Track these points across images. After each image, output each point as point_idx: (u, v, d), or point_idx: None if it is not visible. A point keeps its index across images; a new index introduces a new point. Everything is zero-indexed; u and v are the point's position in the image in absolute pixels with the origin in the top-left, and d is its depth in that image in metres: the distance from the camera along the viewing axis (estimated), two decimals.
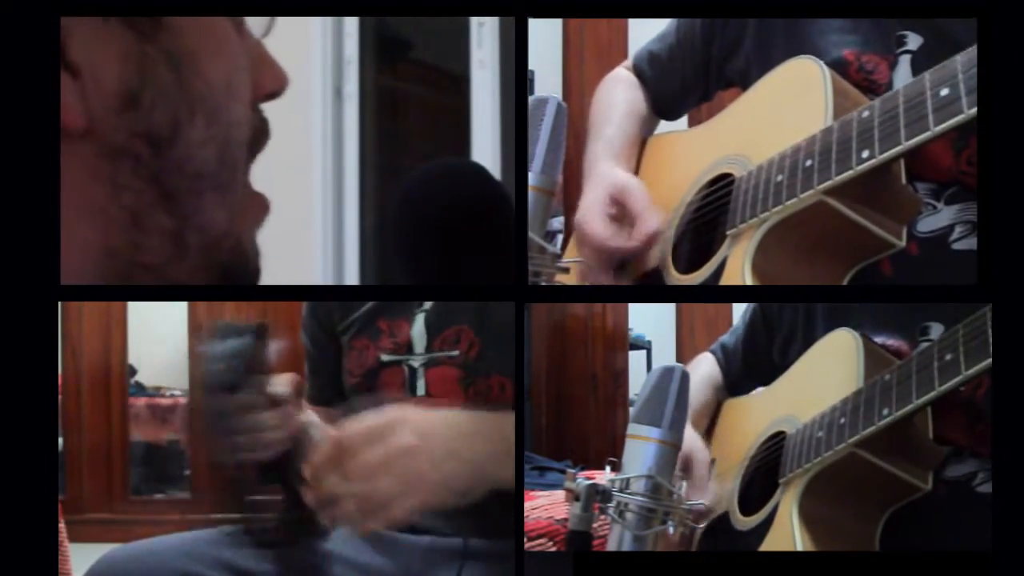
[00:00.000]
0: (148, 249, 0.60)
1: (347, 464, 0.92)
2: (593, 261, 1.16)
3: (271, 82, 0.64)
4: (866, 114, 0.96)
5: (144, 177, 0.59)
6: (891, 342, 1.13)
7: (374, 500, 0.91)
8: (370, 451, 0.92)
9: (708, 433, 1.37)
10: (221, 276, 0.63)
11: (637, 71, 1.33)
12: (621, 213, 1.16)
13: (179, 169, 0.60)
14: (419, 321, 1.24)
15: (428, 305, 1.24)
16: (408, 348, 1.24)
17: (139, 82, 0.58)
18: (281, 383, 1.12)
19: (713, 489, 1.26)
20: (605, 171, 1.20)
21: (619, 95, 1.31)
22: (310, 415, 1.29)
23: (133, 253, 0.60)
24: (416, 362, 1.23)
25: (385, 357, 1.24)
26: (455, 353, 1.21)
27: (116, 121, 0.58)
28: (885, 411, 1.03)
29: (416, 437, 0.93)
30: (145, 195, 0.59)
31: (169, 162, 0.59)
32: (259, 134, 0.65)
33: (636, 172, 1.25)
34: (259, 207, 0.65)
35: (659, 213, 1.14)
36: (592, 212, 1.16)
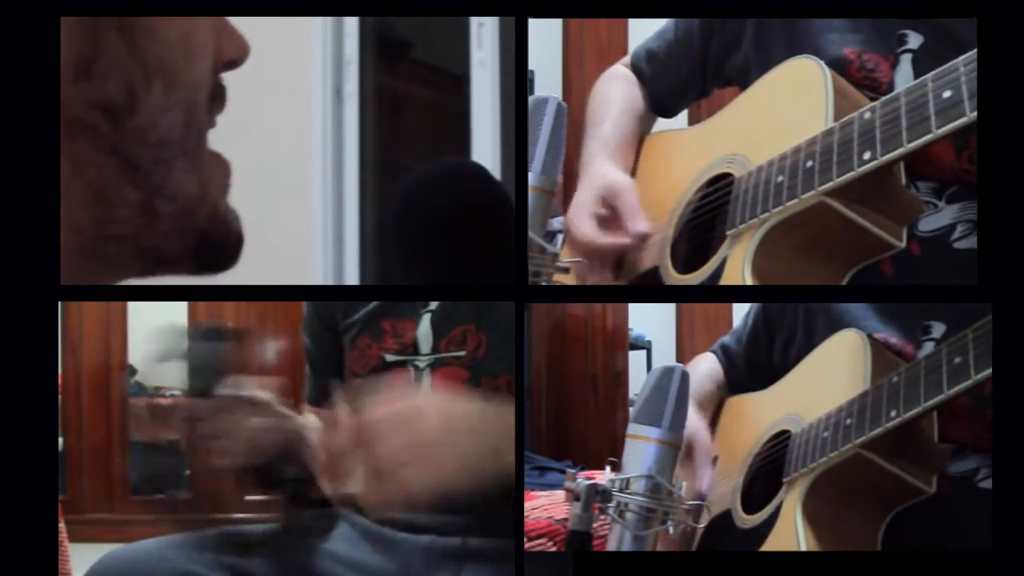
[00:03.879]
0: (116, 221, 0.59)
1: (370, 450, 0.90)
2: (580, 259, 1.17)
3: (232, 50, 0.62)
4: (867, 115, 0.96)
5: (104, 150, 0.57)
6: (893, 341, 1.13)
7: (397, 486, 0.90)
8: (395, 438, 0.90)
9: (711, 429, 1.37)
10: (200, 242, 0.61)
11: (635, 69, 1.32)
12: (610, 213, 1.16)
13: (141, 139, 0.58)
14: (425, 322, 1.24)
15: (434, 306, 1.24)
16: (414, 348, 1.23)
17: (90, 50, 0.56)
18: (260, 386, 1.13)
19: (713, 478, 1.26)
20: (598, 170, 1.21)
21: (616, 92, 1.31)
22: (308, 418, 1.29)
23: (101, 228, 0.59)
24: (422, 363, 1.23)
25: (390, 357, 1.24)
26: (461, 354, 1.21)
27: (69, 92, 0.56)
28: (892, 413, 1.02)
29: (441, 426, 0.93)
30: (107, 169, 0.58)
31: (130, 132, 0.57)
32: (217, 100, 0.62)
33: (634, 170, 1.25)
34: (222, 169, 0.63)
35: (647, 217, 1.14)
36: (581, 211, 1.17)
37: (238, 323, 1.13)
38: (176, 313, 3.34)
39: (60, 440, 3.31)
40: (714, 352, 1.43)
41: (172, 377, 1.14)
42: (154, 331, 1.11)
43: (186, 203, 0.60)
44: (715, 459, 1.32)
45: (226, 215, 0.63)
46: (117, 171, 0.58)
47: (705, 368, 1.39)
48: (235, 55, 0.62)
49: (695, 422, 1.23)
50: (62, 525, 1.81)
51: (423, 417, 0.92)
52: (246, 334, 1.13)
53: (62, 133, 0.57)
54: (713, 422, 1.38)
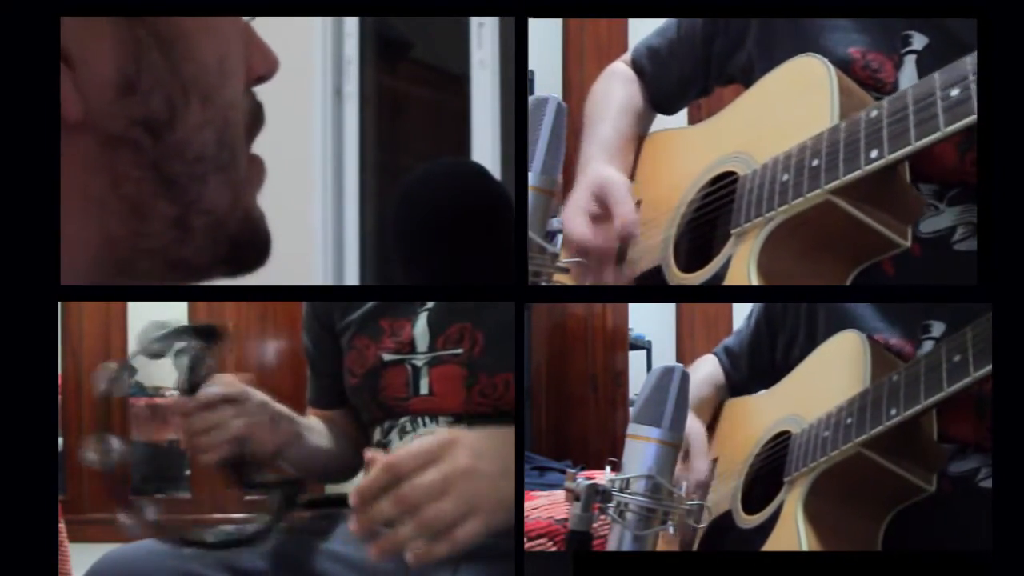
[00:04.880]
0: (149, 235, 0.60)
1: (401, 489, 0.87)
2: (580, 259, 1.17)
3: (262, 65, 0.63)
4: (874, 114, 0.95)
5: (144, 165, 0.58)
6: (893, 341, 1.13)
7: (436, 524, 0.86)
8: (425, 474, 0.87)
9: (709, 431, 1.37)
10: (231, 249, 0.62)
11: (636, 66, 1.32)
12: (603, 211, 1.16)
13: (179, 155, 0.59)
14: (421, 320, 1.24)
15: (430, 304, 1.24)
16: (411, 347, 1.23)
17: (133, 67, 0.57)
18: (221, 384, 1.13)
19: (708, 472, 1.26)
20: (593, 170, 1.20)
21: (616, 91, 1.31)
22: (311, 420, 1.30)
23: (134, 240, 0.60)
24: (419, 361, 1.23)
25: (387, 356, 1.24)
26: (459, 351, 1.21)
27: (113, 109, 0.57)
28: (893, 411, 1.02)
29: (471, 457, 0.89)
30: (145, 183, 0.59)
31: (169, 148, 0.59)
32: (255, 117, 0.64)
33: (634, 169, 1.25)
34: (258, 172, 0.65)
35: (648, 215, 1.14)
36: (574, 211, 1.17)
37: (224, 322, 1.14)
38: (177, 313, 3.34)
39: (60, 440, 3.31)
40: (716, 354, 1.43)
41: (170, 376, 1.14)
42: (138, 329, 1.12)
43: (219, 215, 0.62)
44: (715, 460, 1.32)
45: (255, 216, 0.64)
46: (155, 186, 0.59)
47: (704, 372, 1.39)
48: (265, 70, 0.64)
49: (690, 420, 1.22)
50: (62, 525, 1.81)
51: (451, 450, 0.89)
52: (226, 332, 1.13)
53: (104, 148, 0.58)
54: (711, 425, 1.38)
